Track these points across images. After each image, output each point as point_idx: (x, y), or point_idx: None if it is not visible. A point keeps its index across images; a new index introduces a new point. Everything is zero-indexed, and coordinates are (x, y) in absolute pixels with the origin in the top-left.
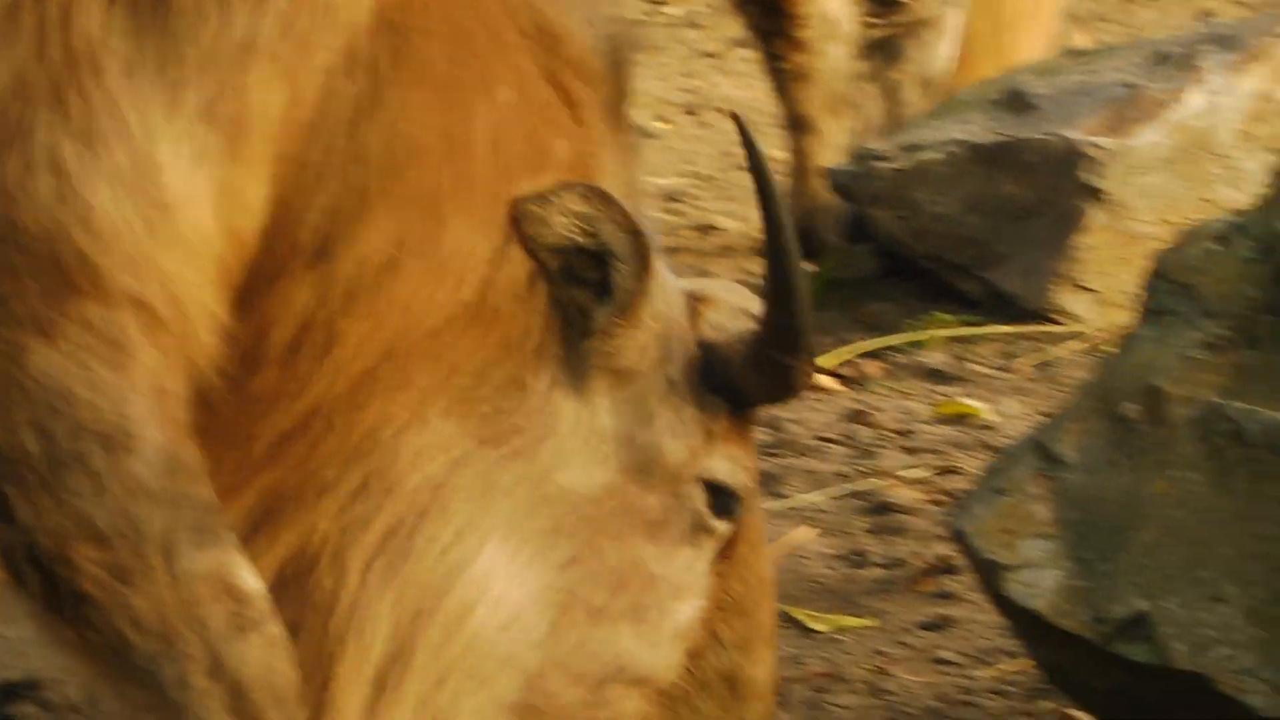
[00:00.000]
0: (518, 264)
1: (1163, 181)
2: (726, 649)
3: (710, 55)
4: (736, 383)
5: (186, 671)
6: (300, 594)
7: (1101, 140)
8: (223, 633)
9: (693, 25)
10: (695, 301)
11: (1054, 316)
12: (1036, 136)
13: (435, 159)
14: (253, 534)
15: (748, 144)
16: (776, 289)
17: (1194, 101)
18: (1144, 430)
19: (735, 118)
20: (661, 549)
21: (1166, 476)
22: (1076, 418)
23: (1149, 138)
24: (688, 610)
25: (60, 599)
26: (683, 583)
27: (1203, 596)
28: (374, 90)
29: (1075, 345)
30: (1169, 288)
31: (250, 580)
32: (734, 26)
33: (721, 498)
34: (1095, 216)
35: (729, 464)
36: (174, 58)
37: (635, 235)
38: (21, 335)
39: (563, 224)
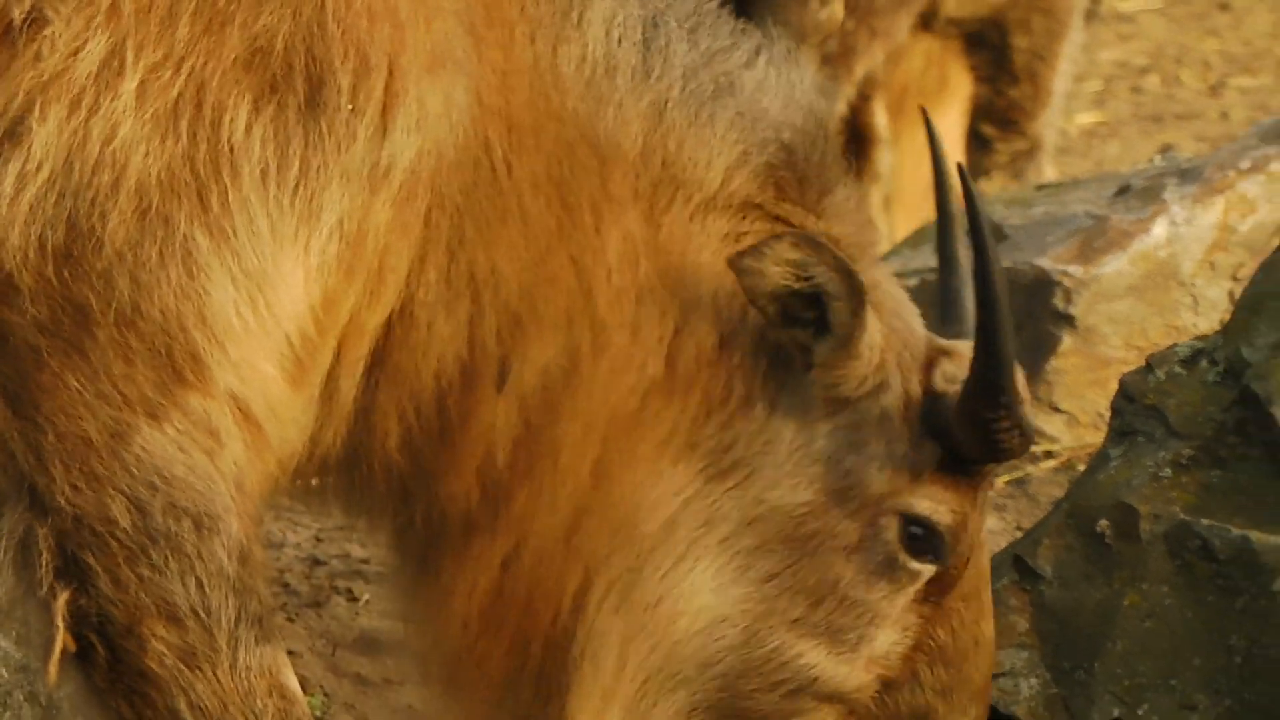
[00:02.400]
0: (702, 334)
1: (1129, 308)
2: (924, 690)
3: None
4: (952, 435)
5: None
6: (542, 635)
7: (1071, 268)
8: None
9: None
10: (935, 353)
11: None
12: (1009, 264)
13: (566, 284)
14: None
15: (968, 195)
16: (983, 343)
17: (1158, 232)
18: (1116, 546)
19: (964, 179)
20: (858, 574)
21: (1139, 590)
22: (1052, 534)
23: (1115, 266)
24: (884, 640)
25: (122, 675)
26: (880, 611)
27: (1175, 705)
28: (489, 223)
29: (1049, 464)
30: (1136, 410)
31: (294, 682)
32: None
33: (921, 537)
34: (1066, 341)
35: (932, 504)
36: (317, 171)
37: (848, 274)
38: (129, 415)
39: (778, 272)
